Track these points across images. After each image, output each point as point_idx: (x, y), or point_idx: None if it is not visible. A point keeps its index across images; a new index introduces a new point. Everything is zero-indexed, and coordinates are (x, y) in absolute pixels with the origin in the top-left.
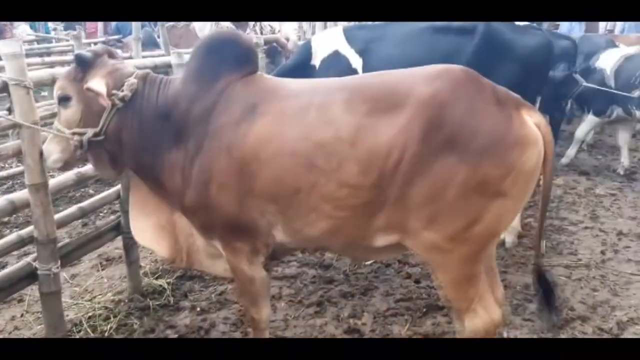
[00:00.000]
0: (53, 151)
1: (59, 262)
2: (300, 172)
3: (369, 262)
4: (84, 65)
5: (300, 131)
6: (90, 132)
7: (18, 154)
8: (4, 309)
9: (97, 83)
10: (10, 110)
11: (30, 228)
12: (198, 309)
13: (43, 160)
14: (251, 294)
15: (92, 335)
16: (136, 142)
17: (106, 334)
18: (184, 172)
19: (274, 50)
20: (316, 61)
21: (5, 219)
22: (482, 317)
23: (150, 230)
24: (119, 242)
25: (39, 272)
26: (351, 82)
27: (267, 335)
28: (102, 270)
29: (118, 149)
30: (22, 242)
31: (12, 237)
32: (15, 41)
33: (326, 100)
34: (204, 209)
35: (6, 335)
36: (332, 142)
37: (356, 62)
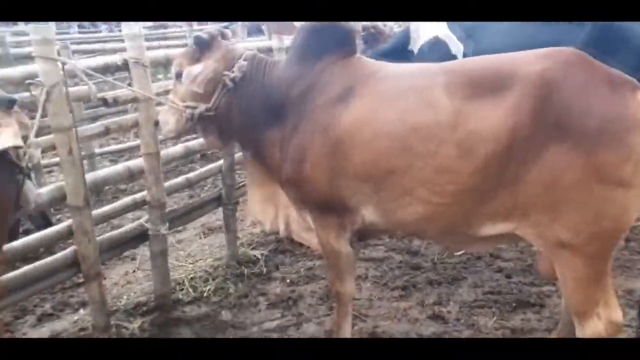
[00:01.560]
0: (167, 122)
1: (167, 224)
2: (395, 155)
3: (458, 253)
4: (201, 46)
5: (397, 113)
6: (202, 107)
7: (135, 126)
8: (118, 265)
9: (193, 72)
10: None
11: (144, 193)
12: (288, 280)
13: (158, 130)
14: (337, 268)
15: (192, 294)
16: (242, 119)
17: (205, 294)
18: (282, 149)
19: (372, 35)
20: (414, 47)
21: (123, 187)
22: (605, 322)
23: (259, 201)
24: (219, 213)
25: (150, 232)
26: (451, 66)
27: (350, 309)
28: (204, 238)
29: (226, 123)
30: (135, 205)
31: (127, 199)
32: (136, 23)
33: (425, 83)
34: (298, 185)
35: (119, 289)
36: (430, 126)
37: (456, 48)
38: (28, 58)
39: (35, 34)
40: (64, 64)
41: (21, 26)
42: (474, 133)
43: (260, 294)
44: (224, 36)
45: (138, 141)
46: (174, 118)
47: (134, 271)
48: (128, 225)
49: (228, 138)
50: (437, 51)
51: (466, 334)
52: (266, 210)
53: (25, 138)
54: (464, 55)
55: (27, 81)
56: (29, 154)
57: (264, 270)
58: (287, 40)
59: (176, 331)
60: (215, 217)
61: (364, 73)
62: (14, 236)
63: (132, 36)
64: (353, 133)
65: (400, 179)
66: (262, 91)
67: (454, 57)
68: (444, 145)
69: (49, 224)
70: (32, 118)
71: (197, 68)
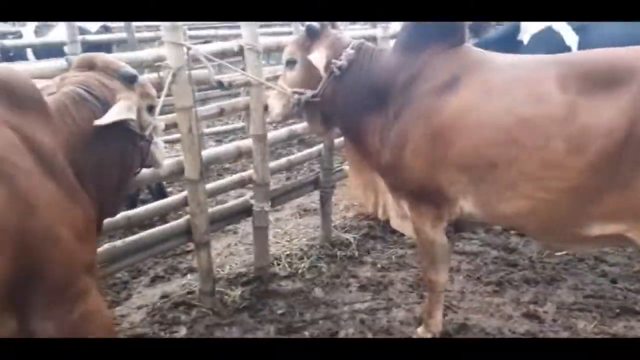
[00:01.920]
0: (275, 106)
1: (270, 202)
2: (500, 146)
3: (559, 253)
4: (312, 35)
5: (503, 105)
6: (308, 93)
7: (246, 108)
8: (222, 237)
9: (318, 57)
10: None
11: (250, 171)
12: (379, 265)
13: (266, 114)
14: (431, 257)
15: (287, 269)
16: (346, 105)
17: (299, 271)
18: (382, 135)
19: (478, 25)
20: (524, 37)
21: (227, 165)
22: None
23: (359, 185)
24: (315, 196)
25: (253, 208)
26: (564, 58)
27: (442, 299)
28: (300, 218)
29: (330, 110)
30: (242, 182)
31: (235, 177)
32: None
33: (535, 75)
34: (396, 171)
35: (222, 259)
36: (540, 119)
37: (571, 39)
38: (144, 42)
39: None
40: (188, 48)
41: None
42: (586, 128)
43: (352, 276)
44: (333, 25)
45: (239, 124)
46: (281, 103)
47: (235, 244)
48: (233, 200)
49: (331, 124)
50: (550, 42)
51: (563, 335)
52: (367, 194)
53: (151, 107)
54: (579, 47)
55: (157, 63)
56: (153, 124)
57: (356, 253)
58: (391, 30)
59: (272, 302)
60: (310, 199)
61: (472, 62)
62: (134, 204)
63: (248, 24)
64: (457, 122)
65: (503, 172)
66: (367, 79)
67: (568, 49)
68: (553, 140)
69: (164, 195)
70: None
71: (316, 56)
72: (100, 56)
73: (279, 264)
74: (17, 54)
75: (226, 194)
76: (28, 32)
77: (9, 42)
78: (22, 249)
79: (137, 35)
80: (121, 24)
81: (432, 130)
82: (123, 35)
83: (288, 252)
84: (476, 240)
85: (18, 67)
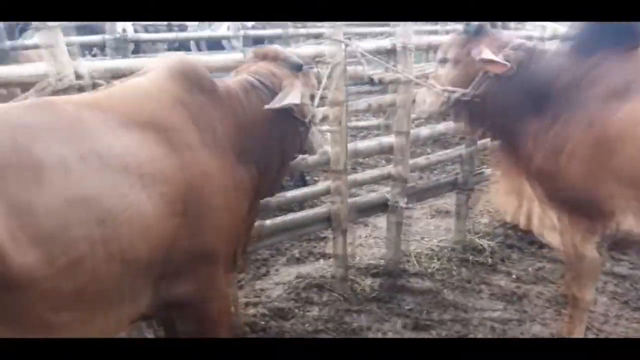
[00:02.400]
0: (424, 102)
1: (406, 199)
2: None
3: None
4: (469, 34)
5: None
6: (459, 91)
7: (392, 105)
8: (353, 229)
9: (489, 53)
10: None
11: (390, 167)
12: (514, 275)
13: (412, 110)
14: (578, 272)
15: (417, 267)
16: (499, 106)
17: (429, 271)
18: (536, 139)
19: None
20: None
21: (360, 160)
22: None
23: (504, 190)
24: (448, 197)
25: (390, 203)
26: None
27: (585, 318)
28: (431, 218)
29: (481, 110)
30: (380, 177)
31: (375, 171)
32: None
33: None
34: (549, 177)
35: (353, 249)
36: None
37: None
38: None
39: None
40: (347, 45)
41: None
42: None
43: (484, 283)
44: (493, 24)
45: (375, 121)
46: (430, 99)
47: (366, 236)
48: (371, 194)
49: (479, 124)
50: None
51: None
52: (510, 200)
53: (311, 96)
54: None
55: (317, 59)
56: (312, 113)
57: (489, 260)
58: (549, 29)
59: (401, 297)
60: (443, 200)
61: None
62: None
63: (403, 23)
64: (626, 131)
65: None
66: (524, 79)
67: None
68: None
69: (304, 183)
70: None
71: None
72: (272, 48)
73: (408, 261)
74: (182, 45)
75: (359, 187)
76: (193, 25)
77: (172, 35)
78: (187, 212)
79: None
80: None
81: (595, 138)
82: (278, 31)
83: (418, 251)
84: (626, 262)
85: (202, 58)
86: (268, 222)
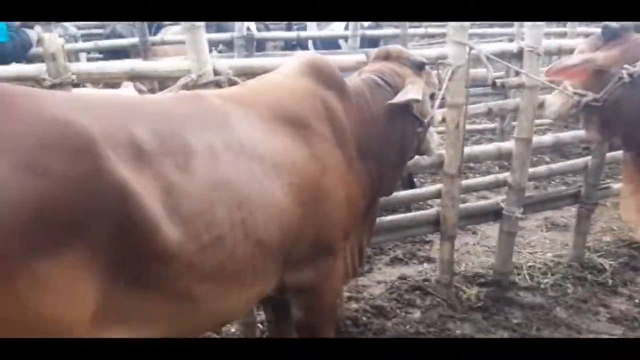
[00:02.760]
0: (554, 104)
1: (522, 208)
2: None
3: None
4: (607, 36)
5: None
6: (590, 96)
7: (515, 110)
8: (460, 235)
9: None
10: (516, 73)
11: (506, 174)
12: (637, 300)
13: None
14: None
15: (528, 281)
16: (632, 115)
17: (541, 286)
18: None
19: None
20: None
21: (472, 164)
22: None
23: (634, 205)
24: (564, 211)
25: (504, 212)
26: None
27: None
28: (546, 231)
29: (612, 117)
30: (495, 184)
31: (489, 177)
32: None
33: None
34: None
35: (458, 256)
36: None
37: None
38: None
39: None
40: (471, 48)
41: None
42: None
43: (602, 305)
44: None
45: (490, 124)
46: (560, 101)
47: (473, 244)
48: (481, 201)
49: (611, 133)
50: None
51: None
52: (637, 218)
53: (432, 95)
54: None
55: (439, 61)
56: (432, 113)
57: (610, 281)
58: None
59: (508, 310)
60: (560, 213)
61: None
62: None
63: (532, 26)
64: None
65: None
66: None
67: None
68: None
69: (412, 185)
70: None
71: (574, 58)
72: (396, 48)
73: (519, 274)
74: (299, 44)
75: (469, 193)
76: (311, 25)
77: (293, 33)
78: (313, 202)
79: (410, 31)
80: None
81: None
82: (396, 31)
83: (531, 264)
84: None
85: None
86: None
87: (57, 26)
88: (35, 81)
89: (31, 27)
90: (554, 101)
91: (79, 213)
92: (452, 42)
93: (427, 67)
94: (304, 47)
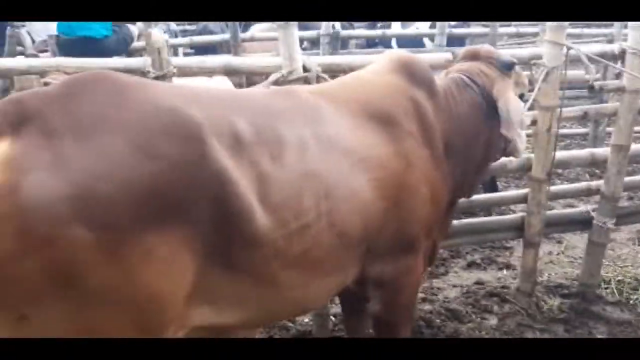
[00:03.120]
0: None
1: (615, 219)
2: None
3: None
4: None
5: None
6: None
7: (613, 115)
8: (544, 243)
9: None
10: (617, 76)
11: (599, 182)
12: None
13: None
14: None
15: (616, 296)
16: None
17: (631, 302)
18: None
19: None
20: None
21: (559, 171)
22: None
23: None
24: None
25: (594, 221)
26: None
27: None
28: (638, 245)
29: None
30: (587, 192)
31: (581, 184)
32: None
33: None
34: None
35: (541, 264)
36: None
37: None
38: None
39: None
40: (569, 48)
41: None
42: None
43: None
44: None
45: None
46: None
47: (557, 253)
48: (568, 209)
49: None
50: None
51: None
52: None
53: (521, 96)
54: None
55: (533, 61)
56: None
57: None
58: None
59: (593, 324)
60: None
61: None
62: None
63: (637, 27)
64: None
65: None
66: None
67: None
68: None
69: (495, 189)
70: None
71: None
72: (484, 47)
73: (606, 287)
74: (382, 42)
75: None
76: (396, 23)
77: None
78: (397, 199)
79: (500, 30)
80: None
81: None
82: (485, 29)
83: (620, 278)
84: None
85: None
86: (456, 222)
87: (157, 23)
88: (141, 73)
89: (133, 23)
90: None
91: (184, 194)
92: (548, 42)
93: (517, 67)
94: (387, 45)
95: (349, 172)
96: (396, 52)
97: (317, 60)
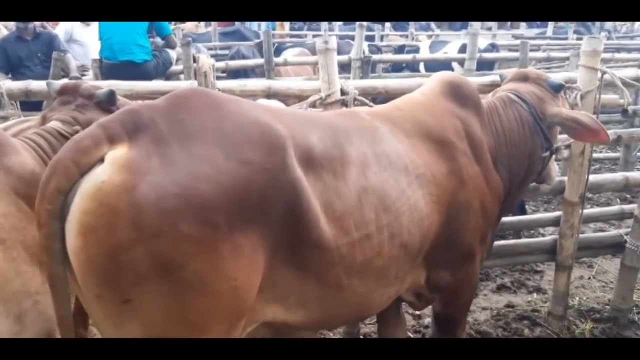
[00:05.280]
0: None
1: None
2: None
3: None
4: None
5: None
6: None
7: None
8: (575, 268)
9: None
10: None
11: (633, 205)
12: None
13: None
14: None
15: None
16: None
17: None
18: None
19: None
20: None
21: (589, 195)
22: None
23: None
24: None
25: (627, 245)
26: None
27: None
28: None
29: None
30: (621, 215)
31: (614, 208)
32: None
33: None
34: None
35: (572, 289)
36: None
37: None
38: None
39: (586, 47)
40: (603, 72)
41: None
42: None
43: None
44: None
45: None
46: None
47: (588, 278)
48: (601, 233)
49: None
50: None
51: None
52: None
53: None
54: None
55: (567, 85)
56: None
57: None
58: None
59: None
60: None
61: None
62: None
63: None
64: None
65: None
66: None
67: None
68: None
69: (523, 211)
70: None
71: None
72: (533, 70)
73: (639, 312)
74: (408, 66)
75: (585, 224)
76: (424, 47)
77: (403, 56)
78: (451, 213)
79: (530, 54)
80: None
81: None
82: (514, 54)
83: None
84: None
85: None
86: None
87: (199, 50)
88: None
89: (173, 47)
90: None
91: (267, 197)
92: (583, 66)
93: (564, 87)
94: (414, 69)
95: (406, 188)
96: (445, 74)
97: (354, 83)
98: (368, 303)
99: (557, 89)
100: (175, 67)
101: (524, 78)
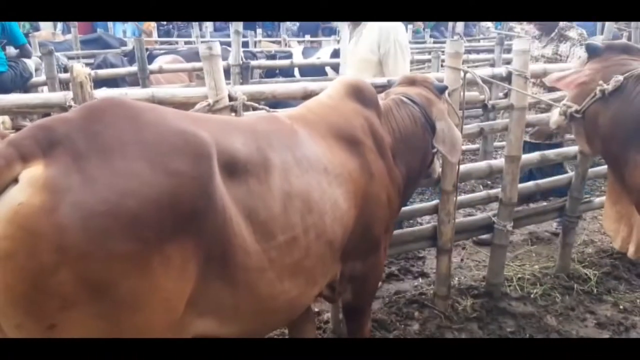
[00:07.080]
0: (554, 115)
1: (512, 222)
2: None
3: None
4: (590, 53)
5: None
6: (573, 107)
7: (504, 130)
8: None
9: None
10: (506, 95)
11: (497, 190)
12: (621, 307)
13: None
14: None
15: (519, 292)
16: (607, 131)
17: (532, 296)
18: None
19: None
20: None
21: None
22: None
23: (613, 217)
24: (547, 225)
25: (495, 226)
26: None
27: None
28: (531, 245)
29: (592, 130)
30: (487, 199)
31: (482, 193)
32: (526, 40)
33: None
34: None
35: (451, 270)
36: None
37: None
38: None
39: (450, 49)
40: (465, 72)
41: None
42: None
43: (589, 312)
44: (627, 51)
45: (469, 146)
46: (556, 113)
47: (461, 260)
48: (474, 216)
49: (593, 146)
50: None
51: None
52: (619, 228)
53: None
54: None
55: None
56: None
57: (595, 290)
58: None
59: (502, 319)
60: (543, 228)
61: None
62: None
63: (519, 52)
64: None
65: None
66: (631, 110)
67: None
68: None
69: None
70: None
71: (568, 71)
72: (420, 74)
73: (509, 285)
74: (282, 71)
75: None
76: (297, 52)
77: (285, 62)
78: (364, 206)
79: None
80: None
81: None
82: None
83: (520, 276)
84: None
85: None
86: None
87: (58, 59)
88: (61, 108)
89: (28, 57)
90: (554, 113)
91: (196, 206)
92: (448, 67)
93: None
94: (289, 74)
95: (327, 188)
96: (347, 78)
97: (241, 89)
98: (299, 305)
99: (441, 90)
100: (37, 79)
101: (412, 82)
